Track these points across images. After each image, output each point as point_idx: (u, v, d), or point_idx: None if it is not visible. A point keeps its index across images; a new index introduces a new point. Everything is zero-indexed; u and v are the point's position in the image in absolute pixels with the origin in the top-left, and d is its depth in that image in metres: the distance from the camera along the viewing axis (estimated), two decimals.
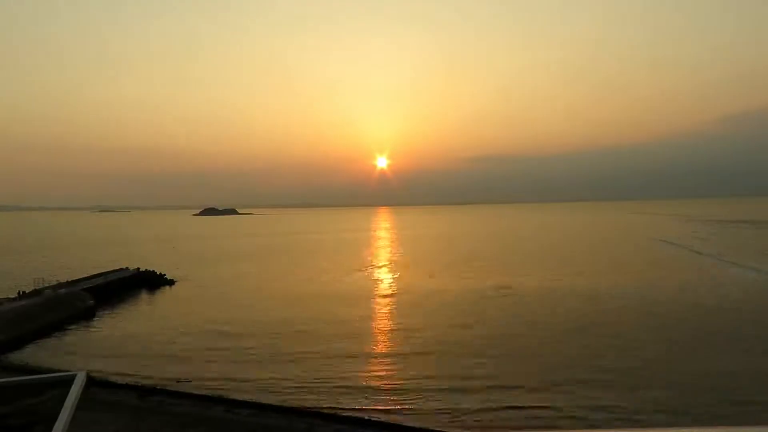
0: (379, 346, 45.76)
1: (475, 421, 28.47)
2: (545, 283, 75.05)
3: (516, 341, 44.53)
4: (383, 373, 37.38)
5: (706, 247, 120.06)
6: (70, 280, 69.63)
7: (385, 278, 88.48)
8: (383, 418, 28.61)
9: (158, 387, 33.23)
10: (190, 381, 35.43)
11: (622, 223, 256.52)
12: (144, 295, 75.02)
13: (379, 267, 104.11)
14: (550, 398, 31.05)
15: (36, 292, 59.87)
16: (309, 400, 31.65)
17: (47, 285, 62.89)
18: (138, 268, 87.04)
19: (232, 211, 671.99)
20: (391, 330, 51.39)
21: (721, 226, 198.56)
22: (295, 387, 34.36)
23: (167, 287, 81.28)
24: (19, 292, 58.35)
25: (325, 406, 30.46)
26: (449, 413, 29.34)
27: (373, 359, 41.34)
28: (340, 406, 30.43)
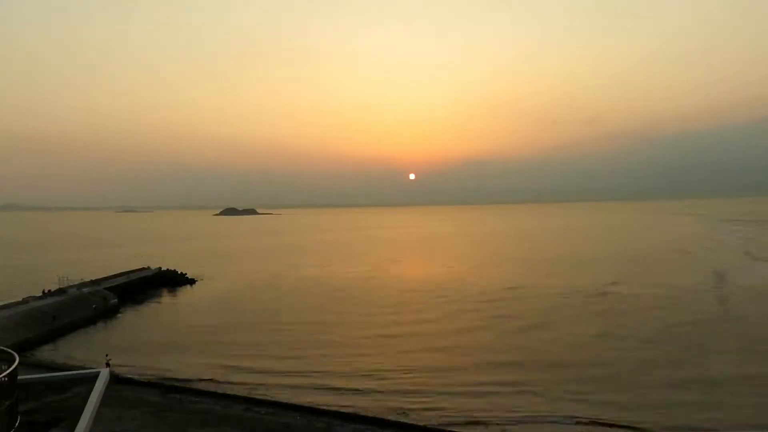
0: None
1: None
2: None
3: None
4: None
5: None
6: (93, 279, 70.89)
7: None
8: (402, 419, 28.56)
9: (180, 385, 33.62)
10: (212, 379, 35.80)
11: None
12: (166, 294, 76.08)
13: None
14: None
15: (61, 291, 61.08)
16: (329, 399, 31.70)
17: (72, 284, 64.10)
18: (160, 268, 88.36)
19: (252, 212, 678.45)
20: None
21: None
22: (316, 386, 34.48)
23: (188, 286, 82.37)
24: (44, 291, 59.56)
25: (344, 405, 30.50)
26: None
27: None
28: (359, 406, 30.45)
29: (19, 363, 12.95)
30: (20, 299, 55.80)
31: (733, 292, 65.56)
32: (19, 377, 12.95)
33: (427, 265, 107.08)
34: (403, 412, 29.49)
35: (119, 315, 60.24)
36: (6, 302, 53.63)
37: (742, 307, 57.06)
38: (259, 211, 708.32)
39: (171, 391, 32.15)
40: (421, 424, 27.50)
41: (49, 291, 60.08)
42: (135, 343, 46.96)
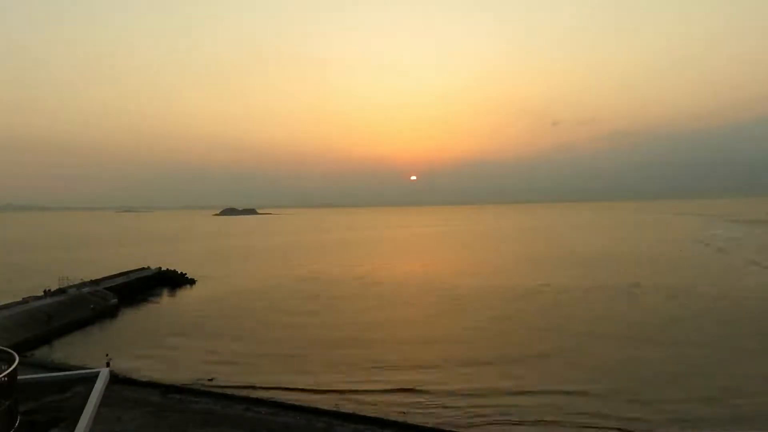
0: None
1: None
2: None
3: None
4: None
5: None
6: (93, 279, 70.83)
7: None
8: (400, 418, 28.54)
9: (180, 385, 33.61)
10: (212, 379, 35.80)
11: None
12: (166, 294, 76.04)
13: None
14: None
15: (61, 291, 61.05)
16: (329, 399, 31.69)
17: (72, 284, 64.07)
18: (159, 268, 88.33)
19: (252, 212, 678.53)
20: None
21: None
22: (316, 386, 34.45)
23: (188, 286, 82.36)
24: (44, 291, 59.51)
25: (344, 405, 30.47)
26: None
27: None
28: (359, 406, 30.44)
29: (18, 363, 12.94)
30: (20, 299, 55.81)
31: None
32: (18, 377, 12.94)
33: (427, 265, 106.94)
34: (403, 412, 29.48)
35: (119, 315, 60.20)
36: (6, 302, 53.63)
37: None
38: (259, 211, 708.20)
39: (171, 391, 32.15)
40: (421, 424, 27.50)
41: (49, 291, 60.06)
42: (135, 343, 46.94)
